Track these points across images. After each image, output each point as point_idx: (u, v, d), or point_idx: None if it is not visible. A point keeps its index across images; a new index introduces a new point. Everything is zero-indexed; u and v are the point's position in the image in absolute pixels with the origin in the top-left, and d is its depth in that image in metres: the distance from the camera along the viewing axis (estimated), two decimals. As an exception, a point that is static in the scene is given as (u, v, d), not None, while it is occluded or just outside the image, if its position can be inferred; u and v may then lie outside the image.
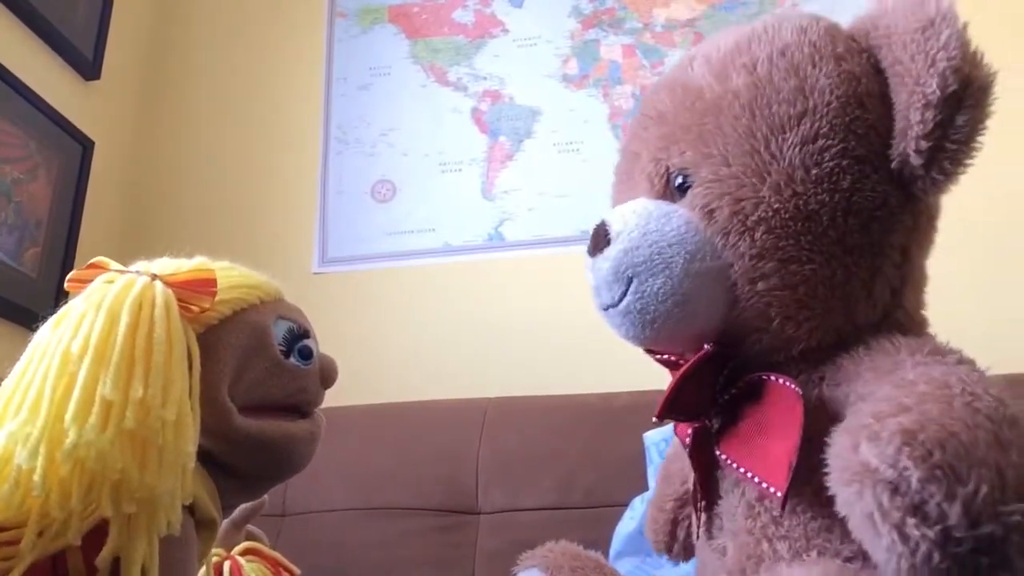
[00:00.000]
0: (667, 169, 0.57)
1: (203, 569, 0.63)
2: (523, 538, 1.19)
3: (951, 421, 0.39)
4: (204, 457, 0.57)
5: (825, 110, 0.51)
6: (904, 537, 0.38)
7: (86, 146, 1.67)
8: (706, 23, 1.75)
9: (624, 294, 0.54)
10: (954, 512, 0.37)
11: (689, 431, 0.57)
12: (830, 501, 0.45)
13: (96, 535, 0.49)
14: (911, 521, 0.37)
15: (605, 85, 1.75)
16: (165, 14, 1.98)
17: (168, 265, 0.60)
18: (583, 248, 0.58)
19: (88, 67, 1.69)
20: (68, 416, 0.47)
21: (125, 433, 0.48)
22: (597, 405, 1.34)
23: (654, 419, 0.55)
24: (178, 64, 1.94)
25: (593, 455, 1.26)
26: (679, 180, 0.55)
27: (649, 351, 0.60)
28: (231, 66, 1.91)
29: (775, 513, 0.50)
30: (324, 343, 0.69)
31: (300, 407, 0.65)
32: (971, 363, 0.47)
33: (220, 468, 0.60)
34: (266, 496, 0.76)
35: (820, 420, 0.47)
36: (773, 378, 0.51)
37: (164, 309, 0.53)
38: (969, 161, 0.49)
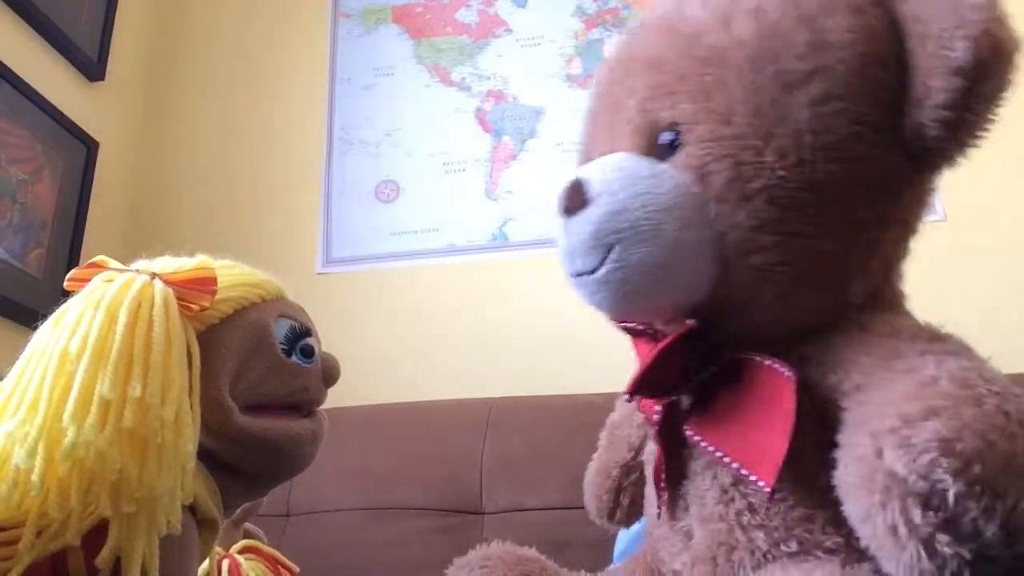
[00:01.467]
0: (656, 123, 0.50)
1: (204, 565, 0.63)
2: (528, 538, 1.19)
3: (987, 428, 0.36)
4: (206, 456, 0.57)
5: (840, 68, 0.45)
6: (932, 554, 0.35)
7: (91, 147, 1.68)
8: (710, 22, 1.74)
9: (603, 261, 0.48)
10: (991, 529, 0.34)
11: (658, 408, 0.53)
12: (813, 491, 0.43)
13: (96, 535, 0.49)
14: (943, 539, 0.34)
15: (609, 84, 1.74)
16: (169, 15, 1.99)
17: (169, 264, 0.60)
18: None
19: (92, 68, 1.70)
20: (66, 415, 0.47)
21: (124, 432, 0.48)
22: (601, 405, 1.32)
23: (624, 397, 0.51)
24: (182, 65, 1.94)
25: (597, 455, 1.26)
26: (668, 137, 0.49)
27: (616, 321, 0.56)
28: (235, 67, 1.91)
29: (752, 500, 0.47)
30: (328, 343, 0.69)
31: (302, 406, 0.65)
32: (971, 350, 0.44)
33: (222, 468, 0.60)
34: (265, 496, 0.76)
35: (804, 403, 0.44)
36: (761, 360, 0.47)
37: (163, 308, 0.53)
38: (986, 133, 0.44)
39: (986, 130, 0.45)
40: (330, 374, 0.67)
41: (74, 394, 0.47)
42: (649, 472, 0.58)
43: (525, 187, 1.70)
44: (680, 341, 0.49)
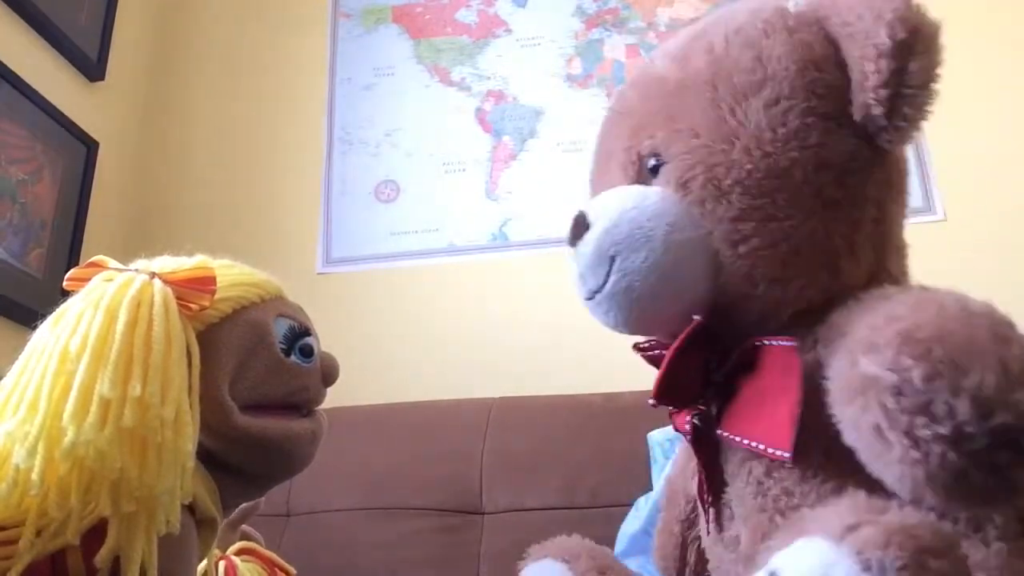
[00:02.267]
0: (639, 155, 0.57)
1: (202, 565, 0.63)
2: (527, 538, 1.18)
3: (946, 320, 0.38)
4: (205, 456, 0.57)
5: (784, 74, 0.52)
6: (915, 441, 0.36)
7: (91, 147, 1.68)
8: (710, 22, 1.74)
9: (608, 275, 0.53)
10: (962, 406, 0.35)
11: (688, 418, 0.56)
12: (840, 461, 0.44)
13: (95, 534, 0.49)
14: (920, 422, 0.36)
15: (609, 85, 1.74)
16: (169, 15, 1.99)
17: (168, 263, 0.60)
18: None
19: (92, 68, 1.70)
20: (66, 414, 0.47)
21: (124, 431, 0.48)
22: (601, 405, 1.34)
23: (650, 402, 0.54)
24: (182, 64, 1.94)
25: (597, 455, 1.26)
26: (651, 163, 0.56)
27: (639, 349, 0.61)
28: (235, 67, 1.91)
29: (786, 484, 0.49)
30: (328, 343, 0.69)
31: (301, 406, 0.65)
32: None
33: (221, 467, 0.59)
34: (263, 497, 0.76)
35: (819, 383, 0.46)
36: (764, 341, 0.51)
37: (163, 307, 0.53)
38: (929, 106, 0.50)
39: (927, 103, 0.50)
40: (329, 373, 0.67)
41: (74, 393, 0.47)
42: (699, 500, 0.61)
43: (525, 187, 1.70)
44: (693, 342, 0.53)
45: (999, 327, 0.39)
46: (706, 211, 0.52)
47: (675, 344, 0.53)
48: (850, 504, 0.36)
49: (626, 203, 0.54)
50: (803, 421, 0.45)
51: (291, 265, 1.68)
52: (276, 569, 0.78)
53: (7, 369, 0.53)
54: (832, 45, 0.53)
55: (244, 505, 0.76)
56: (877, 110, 0.50)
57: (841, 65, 0.52)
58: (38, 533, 0.48)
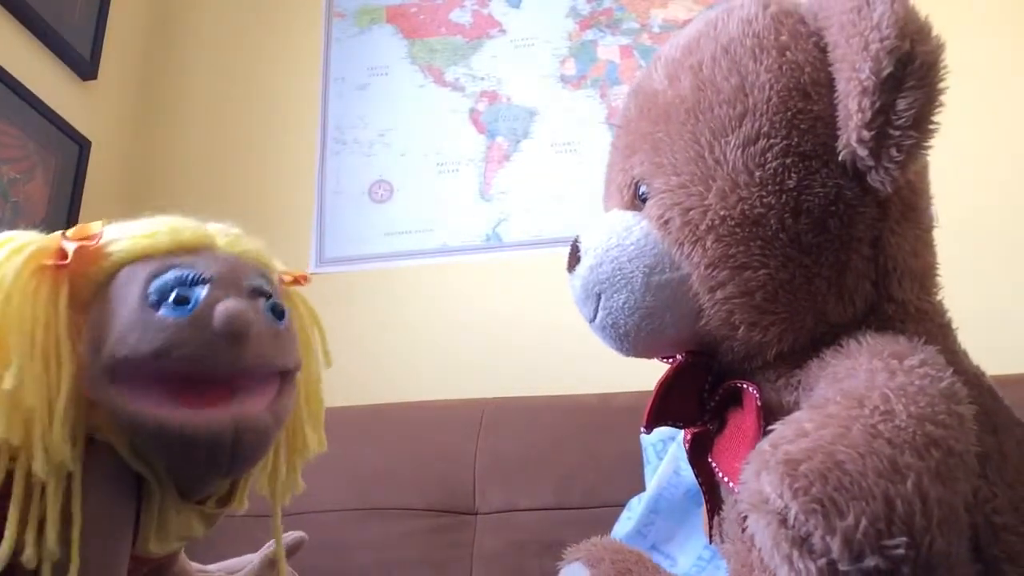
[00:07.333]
0: (633, 179, 0.56)
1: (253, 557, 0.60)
2: (521, 539, 1.19)
3: (841, 449, 0.38)
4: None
5: (765, 107, 0.49)
6: (795, 569, 0.37)
7: (83, 146, 1.67)
8: (704, 24, 1.75)
9: (596, 310, 0.55)
10: (835, 545, 0.36)
11: (688, 436, 0.57)
12: None
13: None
14: (796, 554, 0.37)
15: (602, 86, 1.75)
16: (162, 14, 1.98)
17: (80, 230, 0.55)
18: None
19: (85, 67, 1.69)
20: None
21: None
22: (595, 406, 1.34)
23: (642, 429, 0.55)
24: (175, 64, 1.93)
25: (591, 456, 1.26)
26: (642, 190, 0.55)
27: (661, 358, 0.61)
28: (228, 66, 1.91)
29: None
30: (322, 343, 0.69)
31: (211, 380, 0.50)
32: (933, 365, 0.44)
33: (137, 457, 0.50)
34: (304, 534, 0.74)
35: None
36: (741, 385, 0.51)
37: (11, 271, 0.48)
38: (923, 145, 0.45)
39: (920, 143, 0.45)
40: (229, 329, 0.50)
41: None
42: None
43: (519, 188, 1.70)
44: (683, 374, 0.54)
45: (902, 457, 0.38)
46: (684, 254, 0.51)
47: (660, 380, 0.54)
48: None
49: (611, 240, 0.54)
50: None
51: (284, 265, 1.67)
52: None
53: None
54: (828, 66, 0.48)
55: (289, 541, 0.73)
56: (862, 151, 0.46)
57: (834, 90, 0.48)
58: None
